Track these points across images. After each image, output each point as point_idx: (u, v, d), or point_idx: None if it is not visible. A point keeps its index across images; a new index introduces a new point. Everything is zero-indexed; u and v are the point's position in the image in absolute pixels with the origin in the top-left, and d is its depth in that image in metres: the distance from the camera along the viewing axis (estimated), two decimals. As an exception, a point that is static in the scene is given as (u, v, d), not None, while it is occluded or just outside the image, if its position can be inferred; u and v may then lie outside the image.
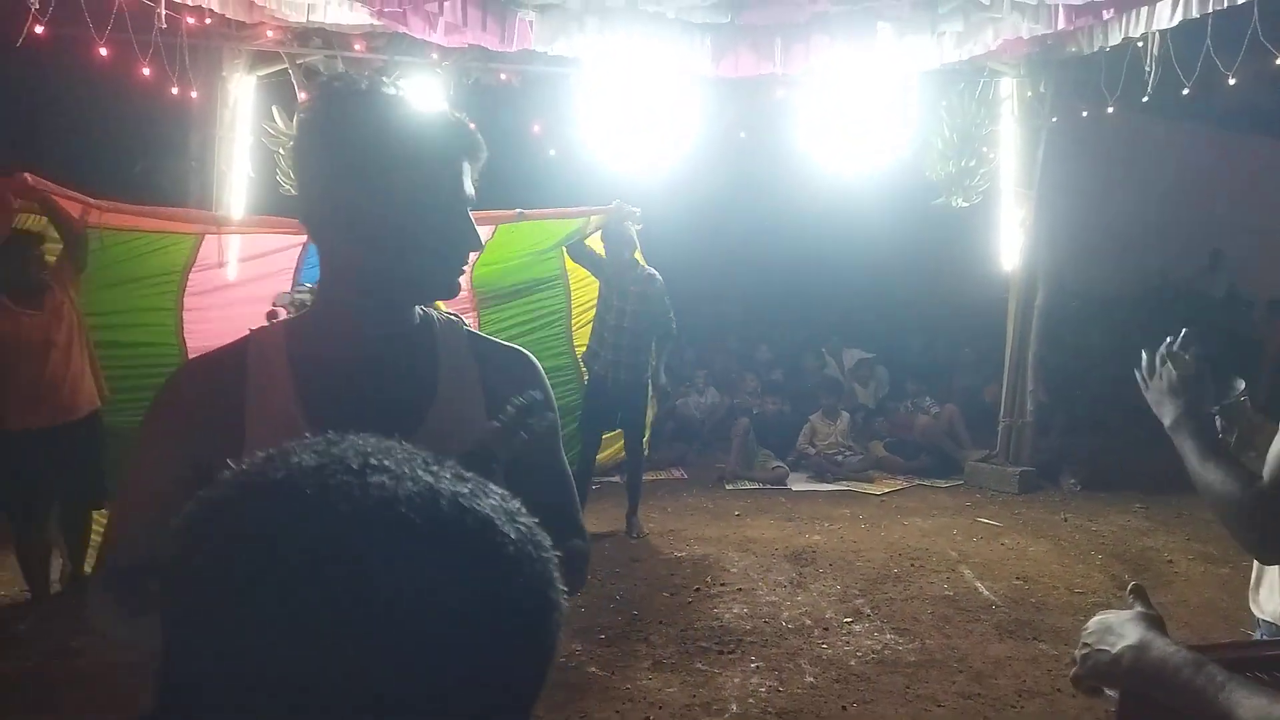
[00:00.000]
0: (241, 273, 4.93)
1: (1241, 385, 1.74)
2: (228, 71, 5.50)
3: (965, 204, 6.39)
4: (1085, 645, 1.28)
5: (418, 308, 1.29)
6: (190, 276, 4.83)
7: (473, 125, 1.22)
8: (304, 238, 5.23)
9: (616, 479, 6.32)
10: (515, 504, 0.54)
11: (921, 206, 6.63)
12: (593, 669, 3.74)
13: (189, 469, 1.16)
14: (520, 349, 1.41)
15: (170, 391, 1.27)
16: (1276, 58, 4.55)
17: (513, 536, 0.51)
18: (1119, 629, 1.24)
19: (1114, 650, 1.22)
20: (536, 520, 0.55)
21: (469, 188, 1.21)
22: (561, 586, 0.54)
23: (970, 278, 7.25)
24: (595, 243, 5.60)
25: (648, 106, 5.80)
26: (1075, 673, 1.30)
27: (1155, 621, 1.25)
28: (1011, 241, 6.55)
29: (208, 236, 4.79)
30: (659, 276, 5.46)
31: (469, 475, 0.55)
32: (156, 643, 0.51)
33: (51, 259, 4.17)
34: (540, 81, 6.19)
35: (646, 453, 6.15)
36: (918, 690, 3.61)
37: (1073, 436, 7.24)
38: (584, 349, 5.86)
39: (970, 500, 6.37)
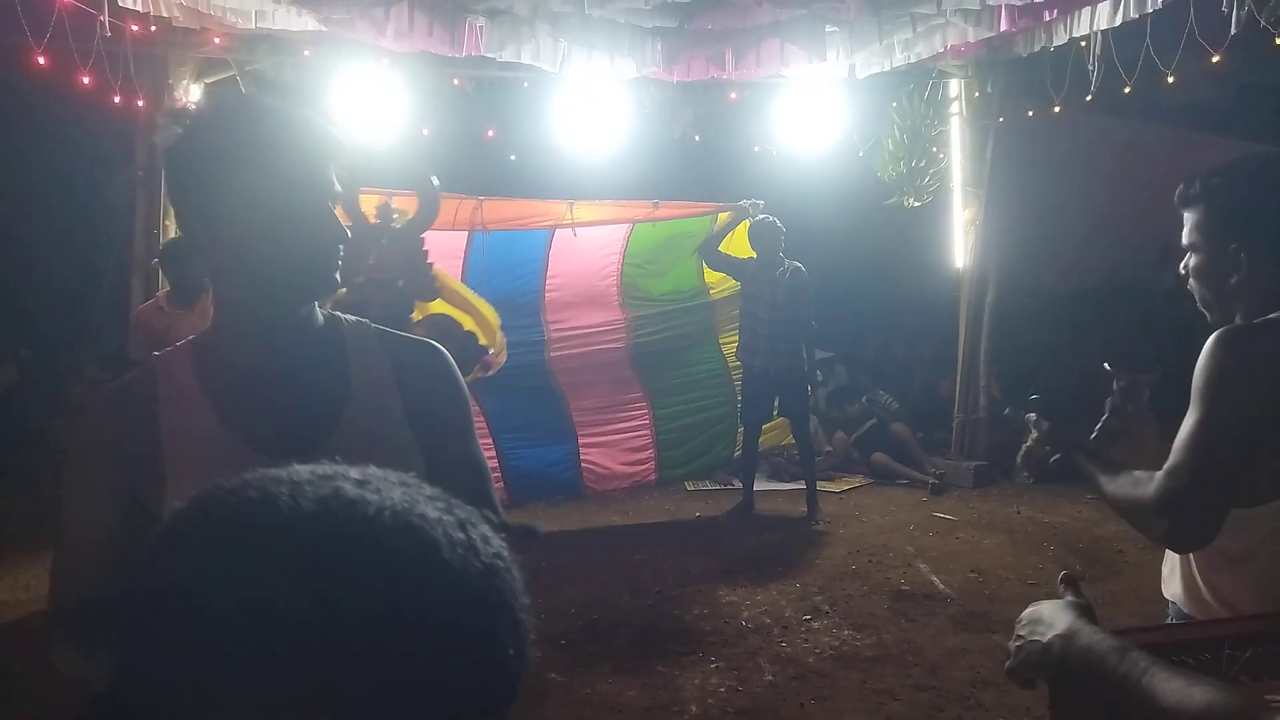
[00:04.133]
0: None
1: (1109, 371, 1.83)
2: (174, 79, 5.41)
3: (917, 204, 6.48)
4: (1019, 636, 1.31)
5: (321, 310, 1.30)
6: None
7: (334, 123, 1.27)
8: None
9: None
10: (479, 529, 0.54)
11: (875, 206, 6.72)
12: (552, 675, 3.74)
13: (119, 502, 1.19)
14: (431, 343, 1.41)
15: (83, 428, 1.29)
16: (1213, 56, 4.67)
17: (483, 563, 0.52)
18: (1049, 619, 1.27)
19: (1044, 640, 1.25)
20: (501, 541, 0.55)
21: (336, 184, 1.24)
22: (525, 602, 0.55)
23: (924, 276, 7.34)
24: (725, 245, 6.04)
25: (604, 111, 5.81)
26: (1009, 664, 1.33)
27: (1084, 609, 1.28)
28: (962, 240, 6.65)
29: None
30: (804, 269, 5.69)
31: (437, 494, 0.55)
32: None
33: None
34: (495, 86, 6.18)
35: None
36: (874, 685, 3.65)
37: (1027, 430, 7.34)
38: (733, 348, 6.23)
39: (926, 495, 6.45)
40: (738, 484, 6.41)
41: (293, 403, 1.23)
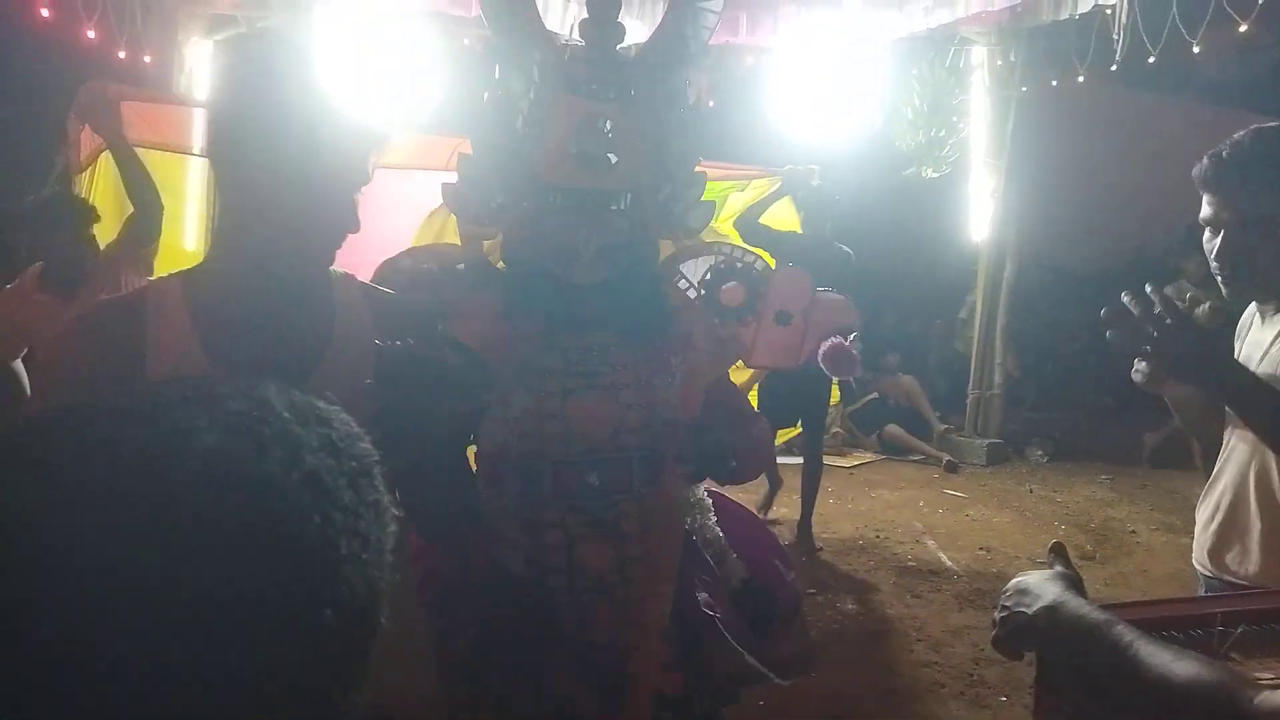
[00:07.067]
0: None
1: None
2: (183, 35, 5.37)
3: (935, 174, 6.35)
4: (1004, 608, 1.26)
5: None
6: None
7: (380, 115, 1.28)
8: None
9: None
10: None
11: (892, 176, 6.59)
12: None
13: None
14: (418, 305, 1.45)
15: (66, 346, 1.28)
16: (1240, 26, 4.52)
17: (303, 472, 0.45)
18: (1036, 590, 1.22)
19: (1030, 611, 1.20)
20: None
21: (369, 173, 1.27)
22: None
23: (941, 249, 7.22)
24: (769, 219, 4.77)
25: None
26: (995, 635, 1.27)
27: (1073, 581, 1.23)
28: (981, 212, 6.53)
29: None
30: (853, 257, 4.67)
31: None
32: None
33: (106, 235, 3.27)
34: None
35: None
36: (876, 659, 3.61)
37: (1042, 409, 7.26)
38: None
39: (937, 472, 6.38)
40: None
41: (279, 341, 1.23)
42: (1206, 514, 1.80)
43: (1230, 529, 1.73)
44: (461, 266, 1.66)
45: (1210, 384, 1.57)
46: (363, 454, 0.49)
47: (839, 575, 4.47)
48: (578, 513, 1.59)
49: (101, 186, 3.93)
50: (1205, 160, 1.65)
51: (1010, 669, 3.52)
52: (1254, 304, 1.83)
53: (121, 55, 4.63)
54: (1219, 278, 1.69)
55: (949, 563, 4.64)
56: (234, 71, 1.21)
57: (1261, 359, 1.68)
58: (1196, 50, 4.72)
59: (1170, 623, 1.24)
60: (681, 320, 1.71)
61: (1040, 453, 6.60)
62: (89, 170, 3.89)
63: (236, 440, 0.44)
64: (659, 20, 1.68)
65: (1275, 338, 1.68)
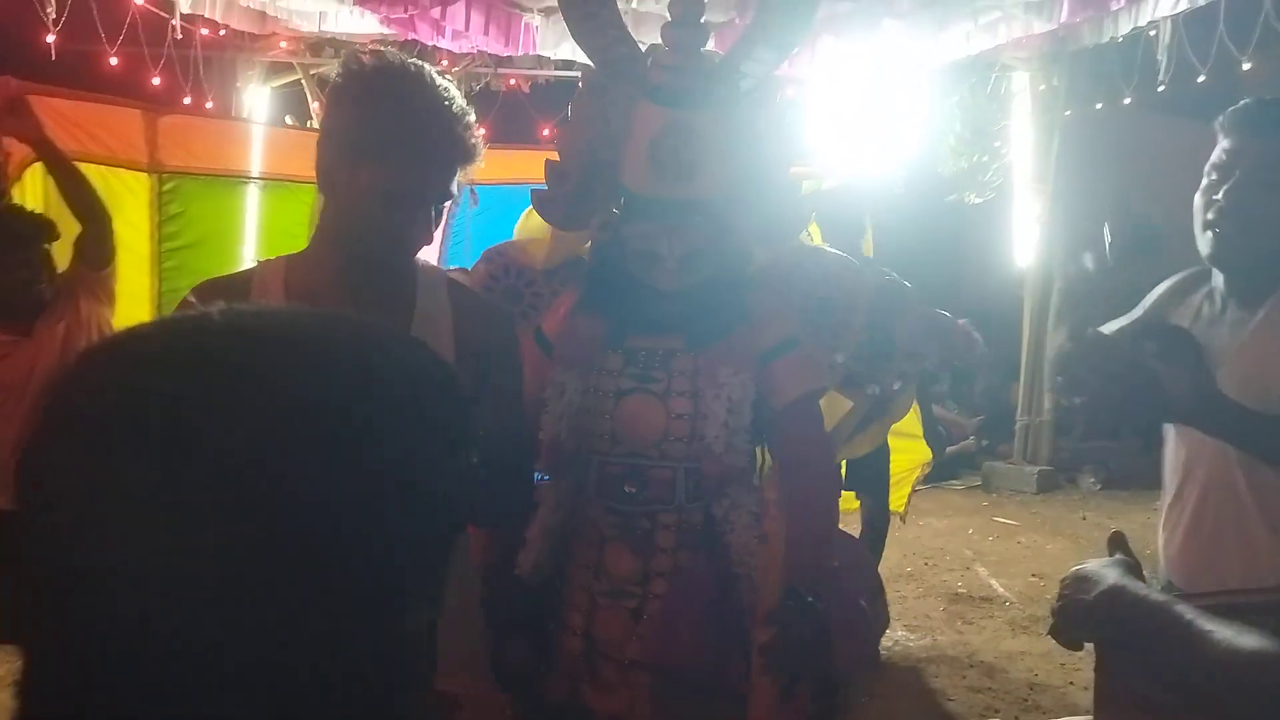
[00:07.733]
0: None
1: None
2: (242, 82, 5.59)
3: (979, 200, 6.34)
4: (1063, 596, 1.27)
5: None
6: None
7: (481, 133, 1.36)
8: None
9: None
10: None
11: (935, 203, 6.58)
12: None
13: None
14: (498, 306, 1.56)
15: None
16: (1290, 42, 4.48)
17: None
18: (1095, 576, 1.23)
19: (1090, 598, 1.20)
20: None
21: (454, 188, 1.35)
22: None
23: (986, 275, 7.17)
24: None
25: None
26: (1054, 624, 1.28)
27: (1131, 568, 1.24)
28: (1027, 238, 6.49)
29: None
30: (905, 285, 3.69)
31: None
32: None
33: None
34: (551, 86, 6.23)
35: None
36: (928, 684, 3.56)
37: (1093, 435, 7.12)
38: None
39: (987, 500, 6.30)
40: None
41: None
42: (1185, 523, 1.57)
43: (1216, 532, 1.53)
44: (550, 262, 1.72)
45: (1195, 425, 1.47)
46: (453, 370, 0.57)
47: (888, 601, 4.41)
48: (613, 514, 1.61)
49: (30, 203, 3.18)
50: (1245, 102, 1.52)
51: (1064, 695, 3.46)
52: (1180, 278, 1.72)
53: (186, 101, 4.83)
54: (1210, 231, 1.51)
55: (1000, 589, 4.57)
56: (345, 97, 1.31)
57: (1253, 350, 1.51)
58: (1246, 67, 4.67)
59: (1224, 610, 1.23)
60: (766, 332, 1.64)
61: (1093, 480, 6.48)
62: (16, 185, 3.27)
63: (369, 335, 0.52)
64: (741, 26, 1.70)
65: (1259, 325, 1.49)
